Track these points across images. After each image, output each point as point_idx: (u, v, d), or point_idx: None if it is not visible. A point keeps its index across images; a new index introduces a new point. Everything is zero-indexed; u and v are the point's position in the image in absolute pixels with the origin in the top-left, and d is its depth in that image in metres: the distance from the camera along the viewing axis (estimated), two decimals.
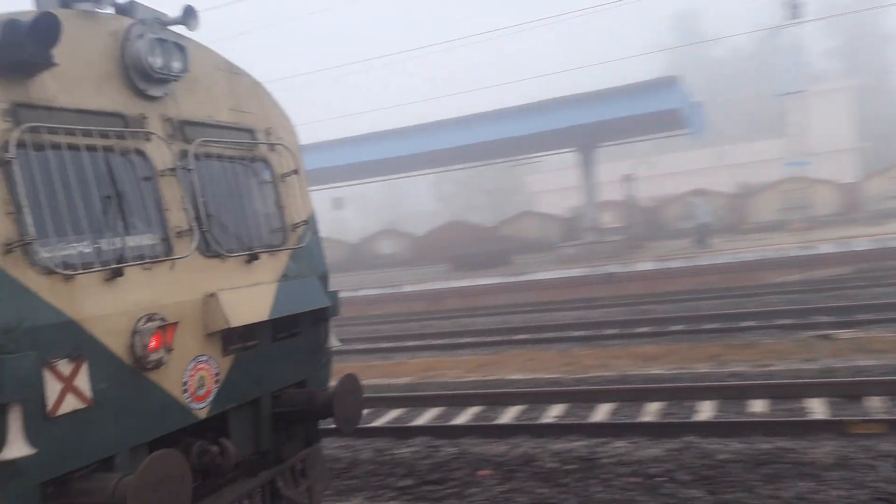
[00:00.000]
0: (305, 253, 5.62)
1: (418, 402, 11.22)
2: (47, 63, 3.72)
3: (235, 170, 5.24)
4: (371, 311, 25.92)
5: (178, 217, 4.49)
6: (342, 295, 6.16)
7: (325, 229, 7.71)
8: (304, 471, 5.60)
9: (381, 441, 9.43)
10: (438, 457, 8.51)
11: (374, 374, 13.48)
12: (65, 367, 3.58)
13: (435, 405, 10.98)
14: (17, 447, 3.31)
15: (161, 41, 4.43)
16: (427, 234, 43.51)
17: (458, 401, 10.95)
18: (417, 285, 28.00)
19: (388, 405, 11.27)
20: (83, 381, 3.68)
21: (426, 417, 10.53)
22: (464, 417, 10.30)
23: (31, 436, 3.36)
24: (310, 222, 5.77)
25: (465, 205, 71.33)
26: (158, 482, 3.61)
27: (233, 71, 5.39)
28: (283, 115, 5.92)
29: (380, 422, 10.52)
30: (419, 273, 33.43)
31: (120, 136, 4.23)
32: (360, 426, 6.02)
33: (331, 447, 9.16)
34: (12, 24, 3.60)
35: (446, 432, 9.45)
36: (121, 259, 4.04)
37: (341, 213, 45.35)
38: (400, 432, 9.71)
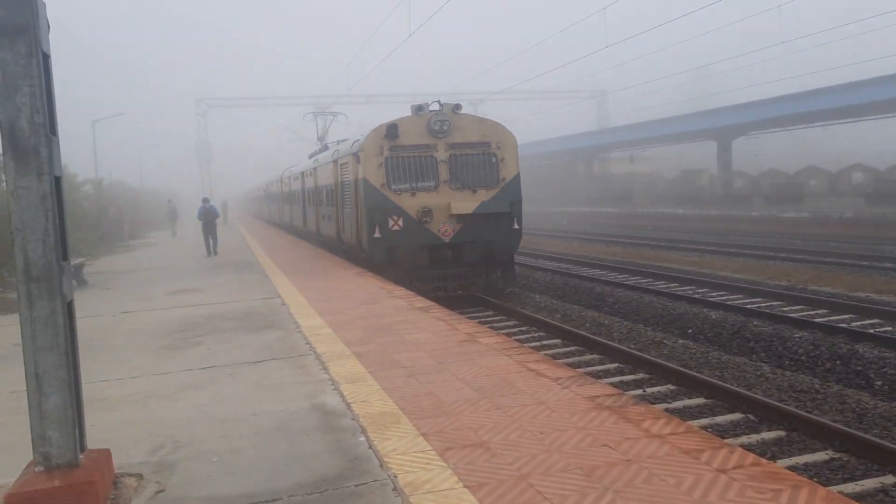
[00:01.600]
0: (506, 190, 15.37)
1: None
2: (396, 138, 15.07)
3: (478, 157, 15.40)
4: None
5: (444, 175, 15.25)
6: None
7: None
8: (503, 273, 15.98)
9: None
10: None
11: None
12: (395, 218, 15.00)
13: None
14: (377, 234, 15.04)
15: (440, 120, 15.18)
16: None
17: None
18: None
19: None
20: (400, 222, 15.00)
21: None
22: None
23: (382, 233, 14.99)
24: (513, 179, 15.45)
25: None
26: (410, 252, 15.03)
27: (481, 120, 15.94)
28: (508, 134, 15.63)
29: None
30: None
31: (425, 151, 15.26)
32: None
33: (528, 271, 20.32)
34: (387, 126, 15.19)
35: None
36: (416, 189, 15.18)
37: None
38: None
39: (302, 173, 26.11)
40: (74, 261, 15.90)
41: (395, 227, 14.90)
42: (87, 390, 5.93)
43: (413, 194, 14.99)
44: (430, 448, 4.71)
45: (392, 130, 14.94)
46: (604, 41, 32.91)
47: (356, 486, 4.22)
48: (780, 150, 63.92)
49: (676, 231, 35.70)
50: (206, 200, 24.98)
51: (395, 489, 4.13)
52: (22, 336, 4.01)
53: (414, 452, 4.65)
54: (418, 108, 15.34)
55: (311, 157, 26.89)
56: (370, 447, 4.81)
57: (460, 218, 15.06)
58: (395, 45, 36.38)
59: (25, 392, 4.03)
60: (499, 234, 15.30)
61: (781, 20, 32.06)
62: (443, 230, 15.08)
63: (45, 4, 4.12)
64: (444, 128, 15.08)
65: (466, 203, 15.04)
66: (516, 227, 15.46)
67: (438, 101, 15.46)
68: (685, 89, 68.38)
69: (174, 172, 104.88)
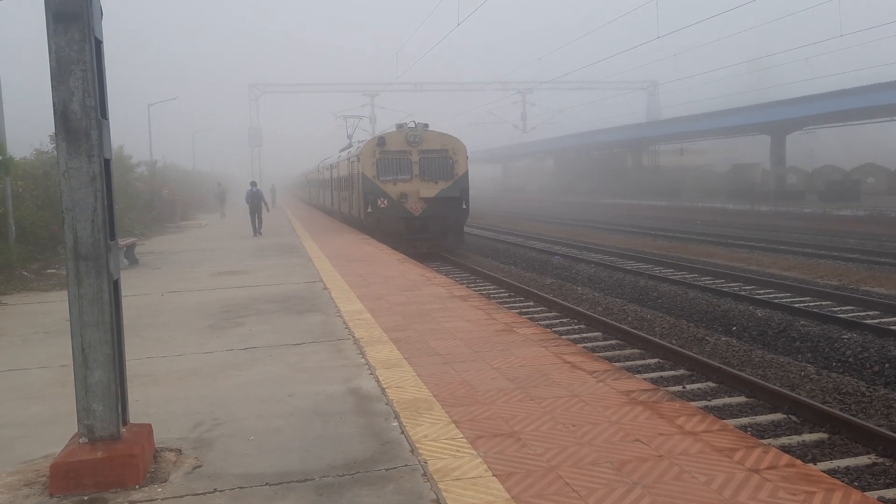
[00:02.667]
0: (458, 182, 22.55)
1: None
2: (384, 145, 22.43)
3: (439, 160, 22.54)
4: None
5: (416, 171, 22.36)
6: None
7: None
8: (455, 238, 22.81)
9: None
10: None
11: None
12: (381, 200, 22.17)
13: None
14: (369, 209, 22.25)
15: (414, 134, 22.39)
16: None
17: None
18: None
19: None
20: (385, 202, 22.23)
21: None
22: None
23: (373, 209, 22.25)
24: (463, 174, 22.76)
25: None
26: (392, 222, 22.12)
27: (443, 134, 23.19)
28: (461, 144, 22.93)
29: None
30: None
31: (404, 154, 22.40)
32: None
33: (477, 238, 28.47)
34: (378, 138, 22.98)
35: None
36: (397, 180, 22.29)
37: None
38: None
39: (331, 165, 34.00)
40: (127, 240, 16.36)
41: (382, 205, 21.94)
42: (133, 366, 6.15)
43: (395, 183, 22.04)
44: (462, 436, 4.75)
45: (381, 140, 22.32)
46: (655, 31, 32.33)
47: (386, 469, 4.28)
48: (836, 146, 61.98)
49: (726, 226, 34.98)
50: (253, 184, 25.84)
51: (424, 475, 4.18)
52: (70, 312, 4.17)
53: (445, 439, 4.70)
54: (399, 126, 22.67)
55: (340, 151, 33.18)
56: (402, 432, 4.88)
57: (426, 200, 22.03)
58: (444, 33, 36.45)
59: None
60: (452, 212, 22.39)
61: (840, 12, 31.02)
62: (414, 208, 22.04)
63: None
64: (417, 139, 22.20)
65: (430, 190, 22.08)
66: (464, 207, 22.59)
67: (414, 121, 22.57)
68: (738, 82, 66.68)
69: (226, 156, 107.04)
